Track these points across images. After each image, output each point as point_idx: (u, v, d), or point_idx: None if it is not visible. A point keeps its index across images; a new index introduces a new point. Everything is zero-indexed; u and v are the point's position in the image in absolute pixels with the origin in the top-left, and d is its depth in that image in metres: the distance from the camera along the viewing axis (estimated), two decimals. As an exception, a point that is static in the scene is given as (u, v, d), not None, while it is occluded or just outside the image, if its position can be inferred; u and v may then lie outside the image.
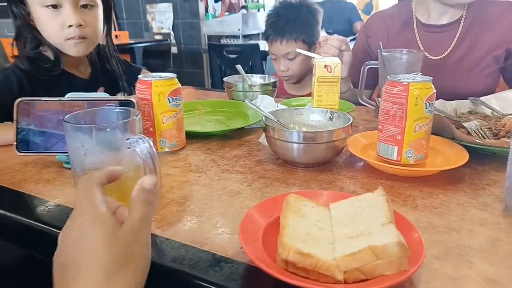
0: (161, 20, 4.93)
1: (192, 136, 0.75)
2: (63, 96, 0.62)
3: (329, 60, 0.73)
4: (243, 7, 5.11)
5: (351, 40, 3.27)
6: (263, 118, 0.64)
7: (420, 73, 0.62)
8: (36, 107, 0.61)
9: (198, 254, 0.40)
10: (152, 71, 0.90)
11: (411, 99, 0.56)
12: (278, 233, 0.40)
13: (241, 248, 0.41)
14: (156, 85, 0.64)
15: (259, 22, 4.89)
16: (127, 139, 0.44)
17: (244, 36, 4.67)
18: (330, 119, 0.67)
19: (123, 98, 0.63)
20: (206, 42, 4.72)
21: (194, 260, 0.39)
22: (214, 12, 4.79)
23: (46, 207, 0.51)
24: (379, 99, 0.82)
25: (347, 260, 0.34)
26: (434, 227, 0.44)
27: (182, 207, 0.51)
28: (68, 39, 0.84)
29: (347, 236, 0.38)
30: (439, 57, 1.02)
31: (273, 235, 0.40)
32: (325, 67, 0.71)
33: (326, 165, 0.62)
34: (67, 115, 0.44)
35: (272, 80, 1.01)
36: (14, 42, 0.89)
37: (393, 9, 1.13)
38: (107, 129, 0.44)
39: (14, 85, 0.83)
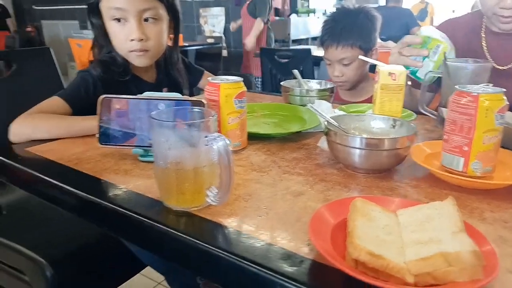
0: (213, 23, 5.10)
1: (251, 137, 0.78)
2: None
3: (394, 67, 0.73)
4: (294, 12, 5.14)
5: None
6: (325, 122, 0.66)
7: (491, 84, 0.61)
8: (117, 104, 0.68)
9: (267, 247, 0.43)
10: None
11: (481, 110, 0.55)
12: (345, 234, 0.42)
13: (308, 245, 0.43)
14: (224, 87, 0.68)
15: (309, 27, 4.90)
16: (206, 137, 0.48)
17: (294, 41, 4.70)
18: (393, 126, 0.67)
19: (195, 98, 0.67)
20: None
21: (263, 252, 0.42)
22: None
23: (128, 194, 0.56)
24: (443, 109, 0.81)
25: (419, 264, 0.35)
26: (505, 241, 0.44)
27: (248, 203, 0.54)
28: (131, 51, 0.91)
29: (417, 242, 0.38)
30: (507, 67, 0.98)
31: (340, 235, 0.42)
32: (389, 75, 0.71)
33: (387, 172, 0.63)
34: (153, 112, 0.49)
35: (329, 86, 1.02)
36: (91, 48, 0.98)
37: (464, 17, 1.10)
38: (188, 127, 0.48)
39: (89, 86, 0.91)
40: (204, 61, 4.13)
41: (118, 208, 0.52)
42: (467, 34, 1.03)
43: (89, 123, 0.76)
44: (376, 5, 4.82)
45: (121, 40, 0.89)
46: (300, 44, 4.70)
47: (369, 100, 1.24)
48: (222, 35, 4.92)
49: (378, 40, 1.31)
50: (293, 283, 0.38)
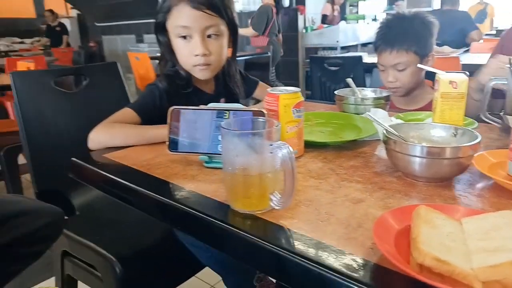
0: (262, 33, 5.19)
1: (307, 145, 0.81)
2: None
3: (454, 75, 0.72)
4: (342, 19, 5.10)
5: (464, 51, 3.04)
6: (384, 131, 0.67)
7: None
8: (185, 114, 0.73)
9: (331, 250, 0.45)
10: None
11: (551, 118, 0.53)
12: (408, 240, 0.43)
13: (371, 249, 0.45)
14: (283, 98, 0.72)
15: (358, 34, 4.83)
16: (270, 145, 0.51)
17: (342, 48, 4.66)
18: (454, 135, 0.66)
19: (256, 109, 0.71)
20: (304, 54, 4.83)
21: (328, 254, 0.44)
22: (313, 25, 4.86)
23: (197, 197, 0.61)
24: (508, 117, 0.78)
25: (488, 271, 0.35)
26: None
27: (309, 208, 0.56)
28: (195, 65, 0.97)
29: (483, 250, 0.39)
30: None
31: (403, 242, 0.43)
32: (450, 83, 0.70)
33: (449, 181, 0.62)
34: (223, 122, 0.54)
35: (385, 94, 1.02)
36: (158, 63, 1.06)
37: None
38: (254, 136, 0.52)
39: (156, 98, 0.99)
40: (253, 70, 4.22)
41: (190, 210, 0.57)
42: None
43: (159, 132, 0.83)
44: (430, 9, 4.65)
45: (186, 56, 0.96)
46: (348, 51, 4.65)
47: (425, 108, 1.22)
48: (270, 45, 4.99)
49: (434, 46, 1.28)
50: (358, 284, 0.40)
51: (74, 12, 8.63)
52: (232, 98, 1.13)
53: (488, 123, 0.83)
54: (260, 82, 1.22)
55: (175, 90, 1.00)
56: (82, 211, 1.34)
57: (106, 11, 7.50)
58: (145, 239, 1.10)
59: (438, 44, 2.92)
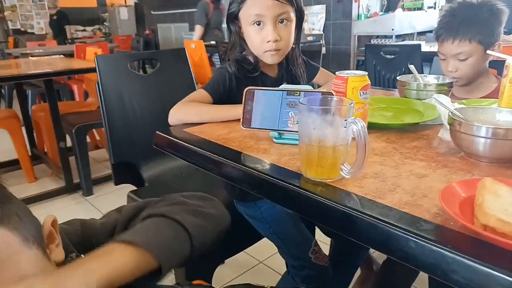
0: (313, 21, 5.16)
1: (370, 127, 0.85)
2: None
3: (524, 61, 0.73)
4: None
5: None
6: (449, 113, 0.70)
7: None
8: (258, 94, 0.81)
9: (399, 213, 0.51)
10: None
11: None
12: (472, 208, 0.48)
13: (436, 214, 0.50)
14: (352, 80, 0.77)
15: (415, 22, 4.64)
16: (345, 120, 0.57)
17: (397, 36, 4.51)
18: (521, 119, 0.68)
19: (325, 90, 0.77)
20: (356, 42, 4.74)
21: (396, 216, 0.50)
22: (368, 12, 4.74)
23: (271, 166, 0.69)
24: None
25: (549, 232, 0.40)
26: None
27: (376, 180, 0.62)
28: (266, 51, 1.04)
29: (546, 216, 0.43)
30: None
31: (468, 209, 0.48)
32: (519, 69, 0.72)
33: (512, 162, 0.65)
34: (302, 99, 0.60)
35: (448, 81, 1.03)
36: (229, 50, 1.14)
37: None
38: (331, 111, 0.58)
39: (226, 80, 1.07)
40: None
41: (266, 176, 0.65)
42: None
43: (234, 111, 0.92)
44: (496, -6, 4.36)
45: (258, 42, 1.04)
46: (404, 40, 4.50)
47: (489, 97, 1.20)
48: (322, 33, 4.96)
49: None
50: (425, 240, 0.45)
51: (131, 1, 9.05)
52: (294, 82, 1.19)
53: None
54: (321, 68, 1.27)
55: (243, 74, 1.08)
56: (151, 183, 1.48)
57: (162, 0, 7.80)
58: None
59: (505, 33, 2.77)
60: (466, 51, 1.19)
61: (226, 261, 1.67)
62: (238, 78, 1.08)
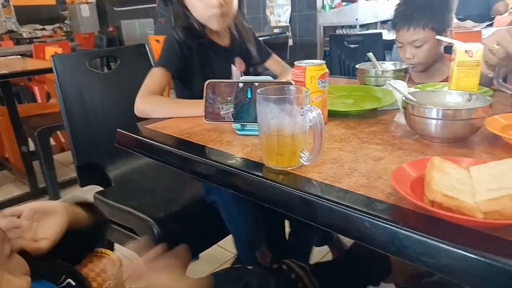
0: (279, 13, 5.17)
1: (331, 115, 0.87)
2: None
3: (470, 45, 0.77)
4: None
5: (487, 26, 2.98)
6: (402, 98, 0.73)
7: None
8: (219, 86, 0.81)
9: (355, 196, 0.53)
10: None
11: (559, 80, 0.59)
12: (422, 186, 0.50)
13: (389, 195, 0.52)
14: (310, 69, 0.78)
15: (378, 11, 4.75)
16: (302, 108, 0.58)
17: (361, 26, 4.61)
18: (469, 100, 0.72)
19: (284, 80, 0.78)
20: (322, 33, 4.80)
21: (353, 199, 0.52)
22: (332, 3, 4.80)
23: (234, 158, 0.69)
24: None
25: (488, 203, 0.42)
26: None
27: (334, 165, 0.63)
28: (211, 16, 1.04)
29: (487, 189, 0.45)
30: None
31: (418, 188, 0.50)
32: (466, 52, 0.75)
33: (462, 141, 0.68)
34: (260, 89, 0.61)
35: (404, 66, 1.07)
36: (174, 21, 1.12)
37: None
38: (288, 100, 0.59)
39: (177, 49, 1.06)
40: (272, 50, 4.24)
41: (229, 168, 0.66)
42: None
43: (196, 110, 0.91)
44: (452, -17, 4.52)
45: (202, 8, 1.04)
46: (368, 29, 4.60)
47: (445, 81, 1.25)
48: (288, 24, 4.98)
49: (455, 20, 1.30)
50: (378, 220, 0.47)
51: (93, -3, 8.73)
52: (247, 58, 1.19)
53: (502, 91, 0.88)
54: (274, 55, 1.28)
55: (192, 41, 1.07)
56: (117, 182, 1.45)
57: (124, -4, 7.57)
58: (178, 203, 1.20)
59: (460, 19, 2.89)
60: (421, 38, 1.23)
61: (200, 256, 1.67)
62: (188, 46, 1.07)
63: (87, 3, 8.66)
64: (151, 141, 0.82)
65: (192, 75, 1.03)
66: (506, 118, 0.71)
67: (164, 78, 1.03)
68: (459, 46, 0.77)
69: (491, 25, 3.01)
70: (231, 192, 0.68)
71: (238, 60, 1.15)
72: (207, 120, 0.82)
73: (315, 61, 0.80)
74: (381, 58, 2.30)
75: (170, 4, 1.12)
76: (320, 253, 1.63)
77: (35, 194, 2.42)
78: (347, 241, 1.49)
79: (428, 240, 0.43)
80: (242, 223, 1.10)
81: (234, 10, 1.09)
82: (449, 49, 1.35)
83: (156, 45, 4.07)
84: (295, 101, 0.59)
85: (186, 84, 1.09)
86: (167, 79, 1.04)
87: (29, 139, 2.38)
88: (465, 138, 0.68)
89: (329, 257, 1.51)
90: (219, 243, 1.35)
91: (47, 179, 2.37)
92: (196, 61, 1.07)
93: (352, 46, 2.43)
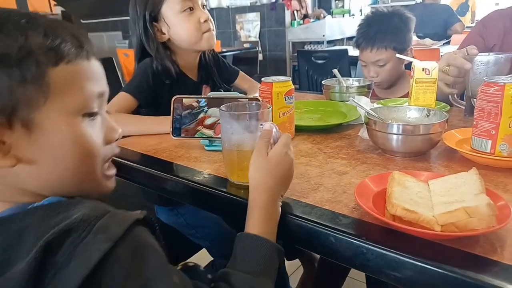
0: (249, 28, 5.25)
1: (298, 130, 0.89)
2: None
3: (427, 63, 0.81)
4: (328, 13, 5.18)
5: (444, 43, 3.15)
6: (365, 113, 0.75)
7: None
8: (186, 102, 0.81)
9: (320, 211, 0.54)
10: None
11: (506, 98, 0.63)
12: (384, 200, 0.52)
13: (353, 209, 0.53)
14: (276, 86, 0.80)
15: (344, 28, 4.93)
16: (261, 124, 0.59)
17: (329, 42, 4.76)
18: (427, 116, 0.75)
19: (252, 96, 0.79)
20: (290, 49, 4.91)
21: (318, 214, 0.53)
22: (301, 20, 4.93)
23: (202, 175, 0.69)
24: (474, 99, 0.88)
25: (444, 216, 0.44)
26: (523, 205, 0.51)
27: (300, 180, 0.64)
28: (204, 32, 1.04)
29: (444, 202, 0.48)
30: None
31: (380, 201, 0.52)
32: (423, 70, 0.79)
33: (422, 155, 0.71)
34: (222, 105, 0.61)
35: (367, 83, 1.11)
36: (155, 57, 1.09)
37: (510, 9, 1.15)
38: (249, 117, 0.60)
39: (149, 78, 1.03)
40: (241, 65, 4.27)
41: (196, 185, 0.65)
42: (510, 25, 1.08)
43: (161, 127, 0.90)
44: (413, 3, 4.77)
45: (193, 27, 1.02)
46: (335, 45, 4.75)
47: (407, 96, 1.31)
48: (258, 40, 5.06)
49: (415, 38, 1.36)
50: (342, 234, 0.48)
51: (58, 10, 8.53)
52: (214, 84, 1.19)
53: (457, 106, 0.93)
54: (241, 72, 1.29)
55: (167, 76, 1.04)
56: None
57: (91, 8, 7.43)
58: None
59: (419, 37, 3.05)
60: (383, 58, 1.28)
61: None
62: (161, 79, 1.04)
63: (52, 15, 8.43)
64: (116, 158, 0.80)
65: (159, 105, 1.01)
66: (461, 133, 0.75)
67: (130, 104, 1.01)
68: (417, 65, 0.81)
69: (448, 43, 3.20)
70: (193, 207, 0.67)
71: (204, 89, 1.15)
72: (174, 136, 0.81)
73: (281, 78, 0.81)
74: (347, 73, 2.38)
75: (149, 42, 1.05)
76: (292, 267, 1.63)
77: None
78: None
79: (390, 254, 0.44)
80: (213, 230, 1.08)
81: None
82: (409, 66, 1.43)
83: (124, 58, 4.01)
84: (256, 117, 0.60)
85: (151, 111, 1.07)
86: (133, 106, 1.01)
87: None
88: (424, 152, 0.71)
89: (301, 270, 1.51)
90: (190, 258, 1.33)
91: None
92: (166, 94, 1.03)
93: (319, 61, 2.50)
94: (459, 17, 3.78)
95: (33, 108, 0.41)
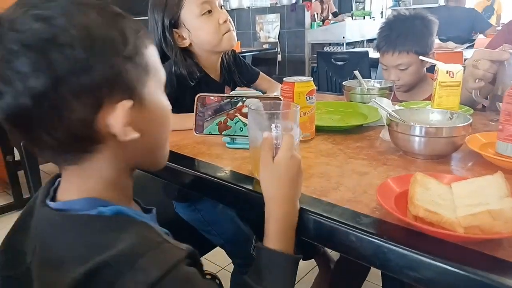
0: (268, 29, 5.26)
1: (318, 130, 0.89)
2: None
3: (451, 66, 0.80)
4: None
5: (467, 47, 3.09)
6: (387, 115, 0.75)
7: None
8: (210, 100, 0.82)
9: (341, 210, 0.54)
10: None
11: (534, 102, 0.62)
12: (406, 201, 0.52)
13: (374, 209, 0.53)
14: (298, 86, 0.80)
15: (364, 30, 4.89)
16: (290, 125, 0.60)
17: (348, 44, 4.72)
18: (450, 119, 0.75)
19: (274, 95, 0.80)
20: (310, 50, 4.90)
21: (339, 213, 0.53)
22: (321, 21, 4.91)
23: (224, 171, 0.70)
24: (499, 104, 0.86)
25: (468, 218, 0.44)
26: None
27: (321, 179, 0.65)
28: (224, 33, 1.05)
29: (467, 205, 0.47)
30: None
31: (402, 202, 0.52)
32: (447, 73, 0.79)
33: (444, 158, 0.71)
34: (251, 105, 0.62)
35: (389, 85, 1.10)
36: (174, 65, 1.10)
37: None
38: (277, 116, 0.61)
39: (174, 82, 1.04)
40: (260, 65, 4.29)
41: (221, 181, 0.66)
42: None
43: (188, 121, 0.91)
44: (436, 5, 4.69)
45: (213, 28, 1.04)
46: (354, 47, 4.71)
47: (427, 100, 1.29)
48: (277, 41, 5.07)
49: (437, 41, 1.34)
50: (364, 233, 0.49)
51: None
52: (235, 85, 1.20)
53: (482, 110, 0.91)
54: (262, 73, 1.30)
55: (190, 77, 1.05)
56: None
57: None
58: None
59: (442, 40, 2.99)
60: (405, 62, 1.27)
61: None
62: (185, 80, 1.05)
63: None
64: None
65: (182, 106, 1.03)
66: (485, 136, 0.74)
67: None
68: (441, 67, 0.80)
69: (471, 46, 3.13)
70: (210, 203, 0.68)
71: (227, 89, 1.16)
72: (197, 133, 0.83)
73: (303, 78, 0.82)
74: (367, 75, 2.36)
75: (169, 50, 1.06)
76: (307, 267, 1.63)
77: (19, 205, 2.37)
78: (334, 255, 1.50)
79: (411, 254, 0.44)
80: (228, 228, 1.09)
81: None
82: (431, 69, 1.40)
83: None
84: (284, 116, 0.61)
85: (174, 111, 1.07)
86: None
87: (15, 148, 2.33)
88: (447, 155, 0.71)
89: (316, 270, 1.51)
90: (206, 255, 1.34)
91: (32, 190, 2.32)
92: (189, 96, 1.04)
93: (339, 63, 2.49)
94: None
95: (143, 86, 0.48)
